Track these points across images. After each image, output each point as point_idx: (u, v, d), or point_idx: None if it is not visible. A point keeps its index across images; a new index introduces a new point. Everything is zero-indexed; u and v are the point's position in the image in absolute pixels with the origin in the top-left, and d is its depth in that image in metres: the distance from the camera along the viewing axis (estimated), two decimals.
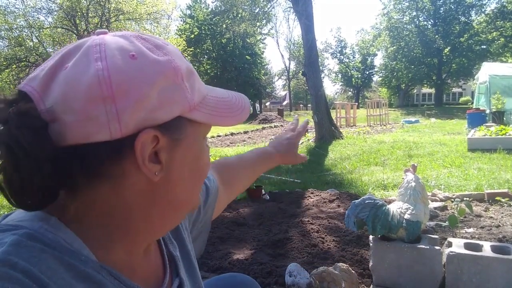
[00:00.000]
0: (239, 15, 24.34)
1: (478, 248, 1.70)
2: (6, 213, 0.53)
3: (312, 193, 3.88)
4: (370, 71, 50.23)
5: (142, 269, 0.56)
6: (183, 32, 35.43)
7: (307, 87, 13.36)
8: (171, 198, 0.53)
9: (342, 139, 9.48)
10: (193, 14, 37.68)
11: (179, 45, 23.52)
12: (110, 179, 0.48)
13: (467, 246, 1.73)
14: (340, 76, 52.41)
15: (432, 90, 42.77)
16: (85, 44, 0.47)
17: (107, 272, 0.48)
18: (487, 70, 12.69)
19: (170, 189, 0.52)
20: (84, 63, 0.45)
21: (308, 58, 9.63)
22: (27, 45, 20.46)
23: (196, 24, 36.65)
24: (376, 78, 50.94)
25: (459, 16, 35.46)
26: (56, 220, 0.47)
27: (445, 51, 35.62)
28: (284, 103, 56.13)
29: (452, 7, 35.54)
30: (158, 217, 0.53)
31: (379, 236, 1.82)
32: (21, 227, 0.45)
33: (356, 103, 20.76)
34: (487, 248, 1.69)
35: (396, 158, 6.13)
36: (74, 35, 20.66)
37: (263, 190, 3.94)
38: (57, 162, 0.44)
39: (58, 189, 0.47)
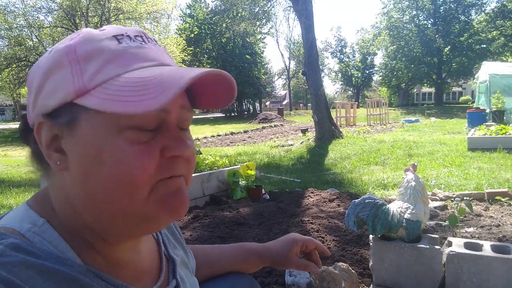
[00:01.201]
0: (239, 15, 24.34)
1: (478, 247, 1.70)
2: (6, 211, 0.54)
3: (312, 192, 3.88)
4: (370, 70, 50.26)
5: (131, 268, 0.56)
6: (183, 32, 35.43)
7: (307, 87, 13.35)
8: (87, 195, 0.49)
9: (342, 138, 9.48)
10: (193, 13, 37.69)
11: (179, 44, 23.48)
12: (50, 170, 0.53)
13: (467, 245, 1.73)
14: (340, 76, 52.46)
15: (432, 89, 42.79)
16: None
17: (93, 275, 0.49)
18: (487, 69, 12.69)
19: (79, 182, 0.49)
20: None
21: (308, 57, 9.63)
22: (27, 45, 20.44)
23: (196, 23, 36.67)
24: (376, 77, 51.01)
25: (459, 15, 35.48)
26: (44, 223, 0.49)
27: (445, 50, 35.64)
28: (284, 102, 56.14)
29: (452, 6, 35.55)
30: (93, 214, 0.50)
31: (379, 235, 1.82)
32: (8, 235, 0.46)
33: (356, 103, 20.76)
34: (487, 248, 1.69)
35: (396, 158, 6.12)
36: None
37: (263, 190, 3.94)
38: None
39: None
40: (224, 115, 36.00)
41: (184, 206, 0.53)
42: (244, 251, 0.90)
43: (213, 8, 34.99)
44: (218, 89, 0.53)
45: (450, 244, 1.78)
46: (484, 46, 33.82)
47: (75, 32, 0.53)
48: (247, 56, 37.15)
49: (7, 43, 20.52)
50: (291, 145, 9.42)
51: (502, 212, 2.94)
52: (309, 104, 30.30)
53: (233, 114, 35.43)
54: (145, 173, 0.48)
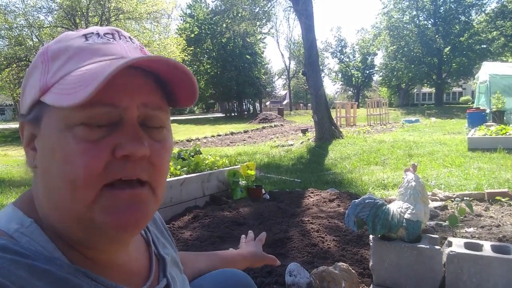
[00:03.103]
0: (239, 15, 24.32)
1: (478, 247, 1.70)
2: None
3: (312, 192, 3.88)
4: (370, 70, 50.23)
5: (119, 270, 0.56)
6: (183, 31, 35.38)
7: (307, 87, 13.35)
8: (45, 192, 0.49)
9: (342, 138, 9.48)
10: (193, 13, 37.68)
11: (179, 44, 23.47)
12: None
13: (467, 245, 1.73)
14: (340, 76, 52.41)
15: (432, 90, 42.76)
16: None
17: (83, 274, 0.48)
18: (487, 70, 12.69)
19: (41, 179, 0.49)
20: None
21: (308, 57, 9.62)
22: (27, 44, 20.43)
23: (196, 23, 36.64)
24: (376, 77, 50.98)
25: (459, 16, 35.44)
26: (32, 223, 0.48)
27: (445, 51, 35.61)
28: (284, 102, 56.12)
29: (452, 6, 35.52)
30: (52, 214, 0.49)
31: (379, 235, 1.82)
32: None
33: (356, 103, 20.75)
34: (487, 248, 1.69)
35: (396, 158, 6.12)
36: None
37: (263, 190, 3.94)
38: None
39: None
40: (224, 115, 35.98)
41: (133, 221, 0.48)
42: (232, 256, 1.01)
43: (213, 8, 34.93)
44: (186, 85, 0.52)
45: (450, 244, 1.78)
46: (484, 46, 33.79)
47: None
48: (247, 56, 37.11)
49: (7, 43, 20.52)
50: (291, 145, 9.42)
51: (502, 212, 2.94)
52: (309, 104, 30.27)
53: (233, 114, 35.42)
54: (90, 173, 0.45)
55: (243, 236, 1.19)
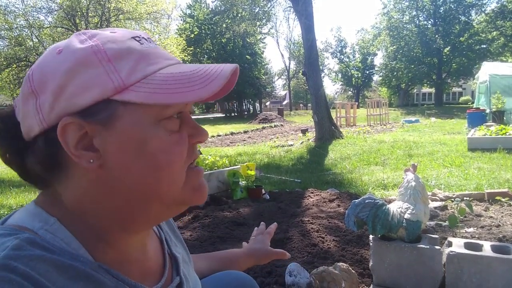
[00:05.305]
0: (239, 15, 24.32)
1: (478, 247, 1.70)
2: (7, 213, 0.54)
3: (312, 192, 3.88)
4: (370, 70, 50.26)
5: (139, 266, 0.58)
6: (183, 32, 35.42)
7: (307, 87, 13.36)
8: (126, 187, 0.50)
9: (342, 138, 9.48)
10: (193, 13, 37.71)
11: (179, 45, 23.48)
12: (63, 172, 0.51)
13: (467, 245, 1.73)
14: (340, 76, 52.44)
15: (432, 90, 42.80)
16: None
17: (104, 271, 0.50)
18: (487, 70, 12.69)
19: (117, 177, 0.50)
20: None
21: (308, 57, 9.62)
22: (27, 45, 20.46)
23: (196, 23, 36.68)
24: (376, 77, 51.00)
25: (459, 16, 35.47)
26: (55, 221, 0.50)
27: (445, 51, 35.64)
28: (284, 102, 56.13)
29: (452, 6, 35.55)
30: (123, 209, 0.52)
31: (379, 235, 1.82)
32: (23, 231, 0.47)
33: (356, 103, 20.73)
34: (487, 248, 1.69)
35: (396, 158, 6.12)
36: None
37: (263, 190, 3.94)
38: (31, 153, 0.51)
39: (43, 172, 0.52)
40: (224, 115, 36.03)
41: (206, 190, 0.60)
42: (232, 255, 1.03)
43: (213, 9, 34.95)
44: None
45: (450, 244, 1.78)
46: (484, 46, 33.80)
47: (80, 33, 0.52)
48: (247, 56, 37.14)
49: (7, 43, 20.53)
50: (291, 145, 9.42)
51: (502, 212, 2.94)
52: (309, 104, 30.28)
53: (233, 114, 35.45)
54: (181, 160, 0.53)
55: (256, 228, 1.22)
